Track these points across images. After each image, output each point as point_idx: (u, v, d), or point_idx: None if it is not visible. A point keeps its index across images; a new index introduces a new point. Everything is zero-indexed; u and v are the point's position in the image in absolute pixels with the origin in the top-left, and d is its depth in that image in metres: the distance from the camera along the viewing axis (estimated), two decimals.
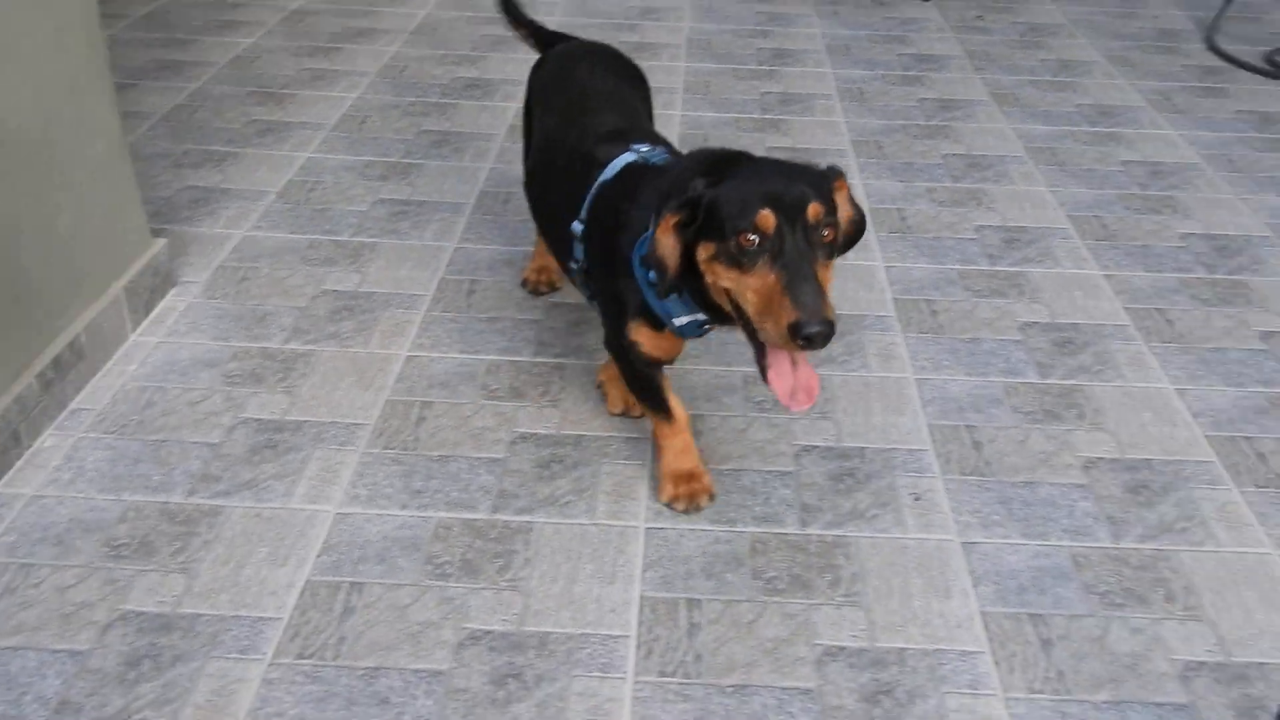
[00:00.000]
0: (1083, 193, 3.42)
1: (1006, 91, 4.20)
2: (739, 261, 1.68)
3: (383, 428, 2.32)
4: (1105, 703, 1.74)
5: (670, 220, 1.75)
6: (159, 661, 1.78)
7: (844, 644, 1.84)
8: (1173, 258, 3.07)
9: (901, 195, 3.37)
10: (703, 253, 1.74)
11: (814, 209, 1.67)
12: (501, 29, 3.46)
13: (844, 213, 1.81)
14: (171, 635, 1.83)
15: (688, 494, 2.10)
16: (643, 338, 2.00)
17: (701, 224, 1.73)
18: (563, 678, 1.77)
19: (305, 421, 2.33)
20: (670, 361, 2.08)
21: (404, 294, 2.79)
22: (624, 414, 2.35)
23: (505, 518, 2.09)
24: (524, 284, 2.80)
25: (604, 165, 2.04)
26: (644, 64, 2.69)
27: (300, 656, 1.80)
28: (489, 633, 1.85)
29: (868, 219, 2.55)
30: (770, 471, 2.22)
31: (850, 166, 3.53)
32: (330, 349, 2.57)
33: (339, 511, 2.10)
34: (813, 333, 1.59)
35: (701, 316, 1.90)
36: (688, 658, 1.81)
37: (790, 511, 2.12)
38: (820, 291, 1.63)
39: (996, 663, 1.80)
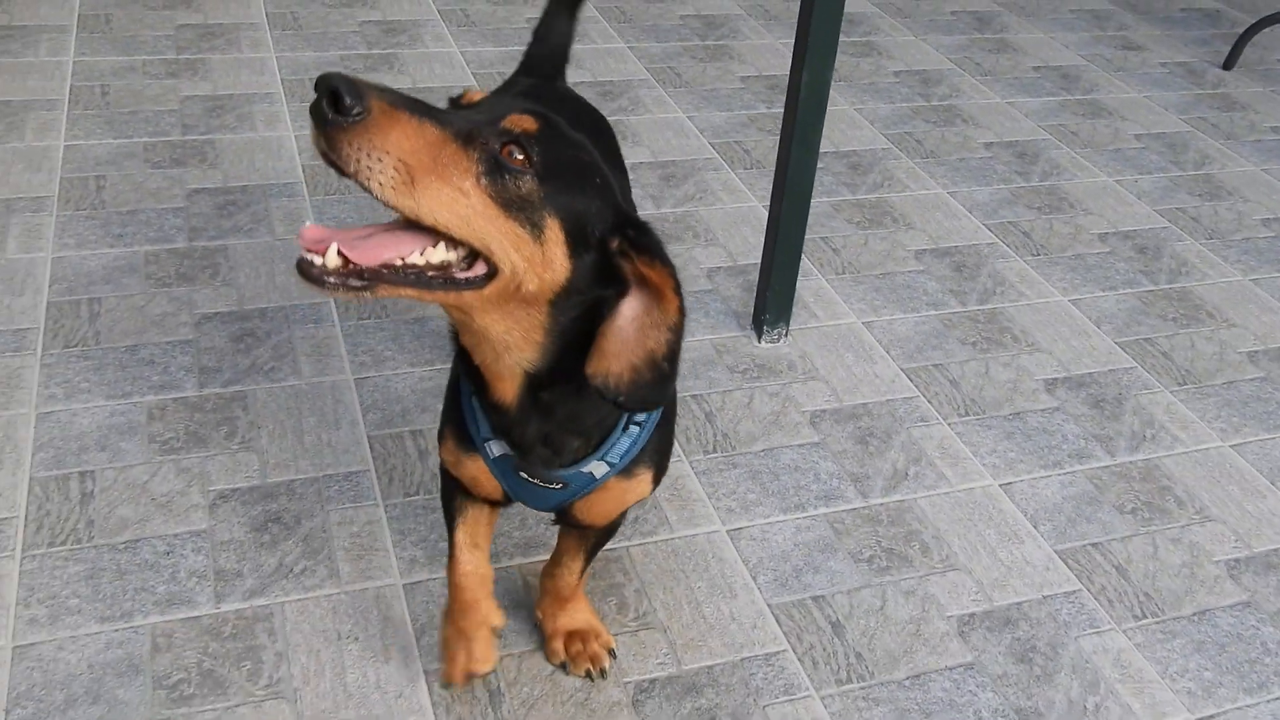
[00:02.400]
0: (654, 46, 3.46)
1: None
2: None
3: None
4: (907, 679, 1.79)
5: None
6: None
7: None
8: (738, 98, 3.50)
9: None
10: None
11: (520, 119, 1.17)
12: None
13: (643, 313, 1.23)
14: None
15: (465, 661, 1.61)
16: (449, 455, 1.49)
17: None
18: None
19: None
20: (489, 502, 1.55)
21: (3, 330, 2.27)
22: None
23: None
24: None
25: None
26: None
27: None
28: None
29: None
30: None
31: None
32: None
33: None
34: (324, 75, 1.04)
35: (509, 452, 1.39)
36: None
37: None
38: (430, 116, 1.11)
39: (800, 659, 1.80)
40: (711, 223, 2.91)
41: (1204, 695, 1.82)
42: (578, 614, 1.73)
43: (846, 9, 4.32)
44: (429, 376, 2.24)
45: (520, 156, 1.14)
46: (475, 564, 1.57)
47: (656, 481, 1.50)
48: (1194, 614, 1.96)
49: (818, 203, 3.06)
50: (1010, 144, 3.51)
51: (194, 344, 2.29)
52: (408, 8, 3.93)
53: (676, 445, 2.17)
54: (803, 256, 2.81)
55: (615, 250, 1.21)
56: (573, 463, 1.38)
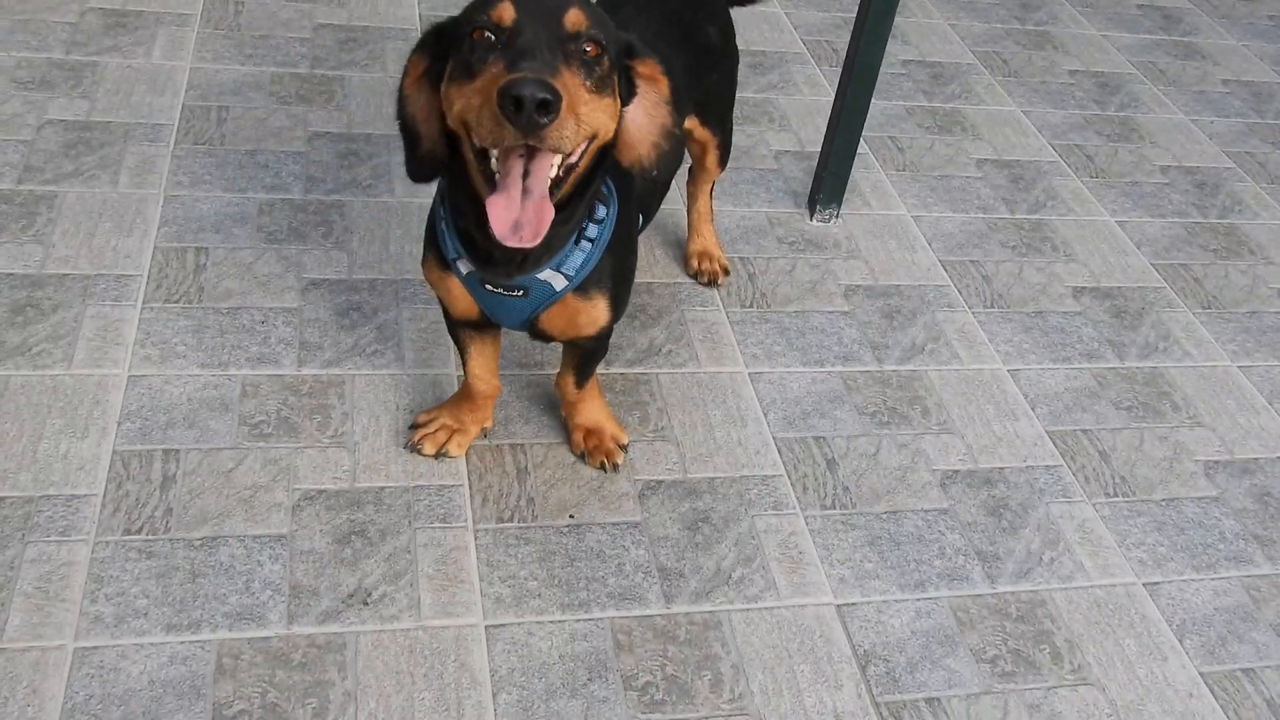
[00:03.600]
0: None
1: None
2: (470, 67, 1.35)
3: (160, 279, 2.19)
4: (885, 513, 2.01)
5: (416, 66, 1.46)
6: None
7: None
8: (836, 1, 3.34)
9: None
10: (445, 87, 1.41)
11: (574, 15, 1.36)
12: None
13: (649, 102, 1.52)
14: None
15: (443, 432, 1.96)
16: (432, 274, 1.71)
17: (445, 59, 1.42)
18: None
19: (67, 275, 2.16)
20: (474, 325, 1.80)
21: (145, 124, 2.57)
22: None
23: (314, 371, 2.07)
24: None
25: None
26: None
27: (128, 532, 1.76)
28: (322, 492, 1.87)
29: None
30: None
31: None
32: (75, 189, 2.36)
33: (132, 374, 2.00)
34: (521, 90, 1.23)
35: (473, 267, 1.61)
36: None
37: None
38: (551, 69, 1.30)
39: (793, 484, 2.03)
40: (788, 111, 3.09)
41: (1153, 565, 2.01)
42: (591, 413, 1.99)
43: None
44: None
45: (591, 48, 1.39)
46: (487, 379, 1.91)
47: (614, 309, 1.74)
48: (1163, 500, 2.14)
49: (893, 105, 3.21)
50: (1095, 74, 3.59)
51: (304, 156, 2.57)
52: None
53: (716, 295, 2.40)
54: (868, 151, 2.97)
55: (626, 66, 1.50)
56: (532, 270, 1.61)
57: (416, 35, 3.06)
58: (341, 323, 2.17)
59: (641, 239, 2.23)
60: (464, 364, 1.90)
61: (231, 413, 1.96)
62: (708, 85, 2.11)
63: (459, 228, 1.59)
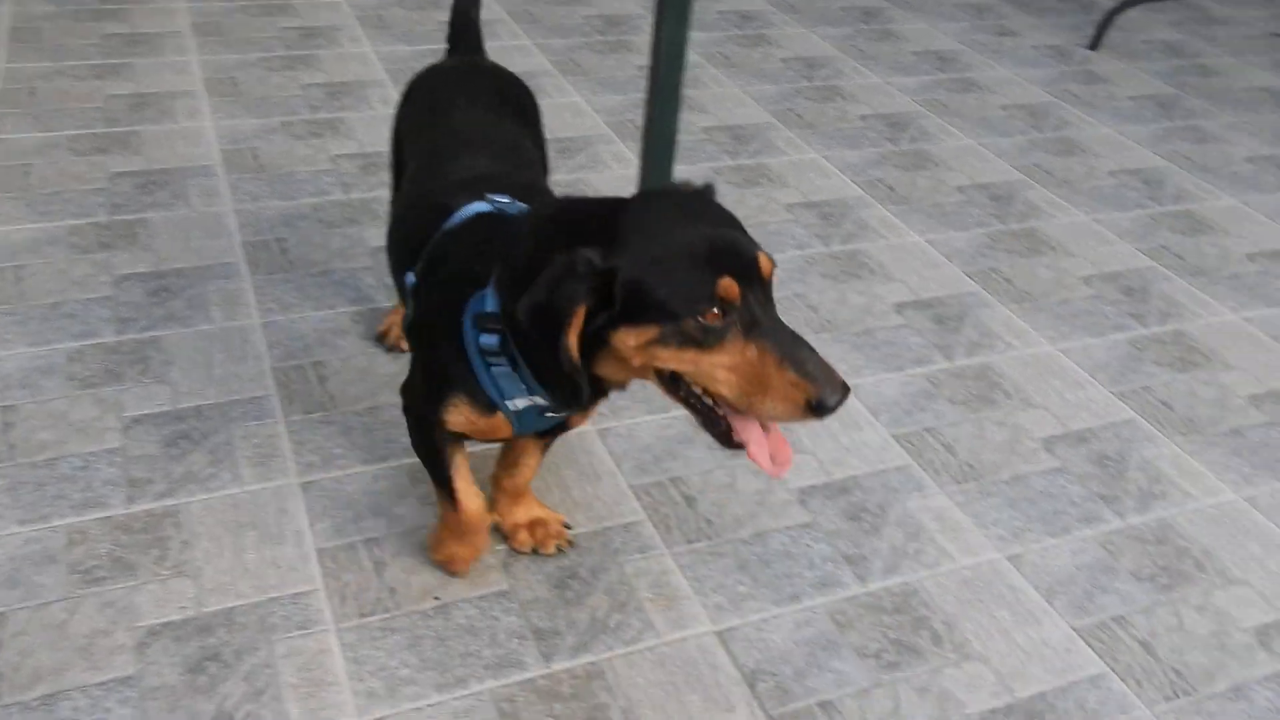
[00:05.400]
0: (558, 42, 3.71)
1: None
2: (699, 341, 1.38)
3: None
4: (750, 536, 2.02)
5: (579, 316, 1.39)
6: None
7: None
8: (633, 83, 3.46)
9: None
10: (631, 340, 1.40)
11: (765, 261, 1.41)
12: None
13: None
14: None
15: (448, 560, 1.89)
16: (460, 417, 1.67)
17: (620, 308, 1.39)
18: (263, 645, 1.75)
19: None
20: (487, 441, 1.79)
21: None
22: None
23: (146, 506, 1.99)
24: (380, 337, 2.46)
25: (450, 212, 1.71)
26: None
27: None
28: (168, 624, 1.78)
29: None
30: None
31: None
32: None
33: None
34: (836, 402, 1.36)
35: (542, 401, 1.61)
36: None
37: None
38: (817, 354, 1.39)
39: (655, 525, 2.02)
40: (601, 186, 3.16)
41: (1012, 539, 2.06)
42: (531, 508, 1.97)
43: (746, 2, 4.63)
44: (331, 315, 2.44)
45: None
46: (479, 498, 1.82)
47: None
48: (1010, 478, 2.20)
49: (699, 168, 3.32)
50: (884, 115, 3.79)
51: (113, 299, 2.50)
52: (326, 14, 4.17)
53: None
54: None
55: None
56: None
57: (218, 170, 3.05)
58: (170, 453, 2.10)
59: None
60: (449, 485, 1.78)
61: (58, 564, 1.86)
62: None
63: (539, 377, 1.55)
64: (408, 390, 1.79)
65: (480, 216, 1.66)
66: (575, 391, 1.45)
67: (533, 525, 1.96)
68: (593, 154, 3.35)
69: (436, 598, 1.86)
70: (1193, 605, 1.96)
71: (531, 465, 1.93)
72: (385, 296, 2.59)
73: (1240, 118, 4.06)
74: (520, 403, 1.62)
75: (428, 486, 2.03)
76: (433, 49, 3.98)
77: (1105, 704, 1.76)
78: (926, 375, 2.48)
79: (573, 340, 1.40)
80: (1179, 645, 1.88)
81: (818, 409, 1.35)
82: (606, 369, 1.47)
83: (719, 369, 1.39)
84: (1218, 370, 2.61)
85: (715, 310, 1.36)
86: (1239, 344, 2.71)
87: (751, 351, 1.38)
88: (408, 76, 3.76)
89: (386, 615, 1.82)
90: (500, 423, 1.67)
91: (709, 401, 1.45)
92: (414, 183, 1.91)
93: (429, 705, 1.68)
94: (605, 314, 1.40)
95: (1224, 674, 1.84)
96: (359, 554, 1.93)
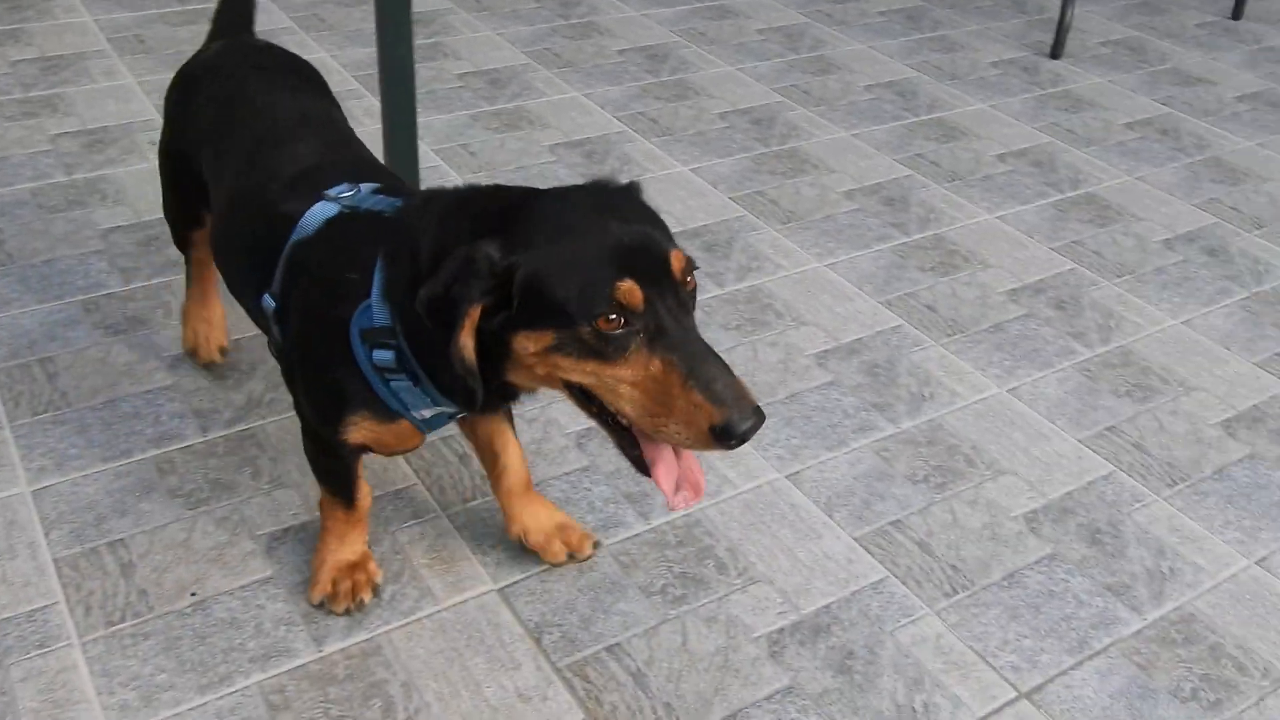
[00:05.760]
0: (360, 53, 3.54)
1: None
2: (599, 351, 1.26)
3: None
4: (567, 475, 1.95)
5: (474, 314, 1.27)
6: None
7: None
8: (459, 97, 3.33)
9: None
10: (529, 344, 1.28)
11: (677, 259, 1.28)
12: None
13: None
14: None
15: (350, 589, 1.70)
16: (363, 434, 1.54)
17: (518, 309, 1.27)
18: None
19: None
20: (399, 453, 1.64)
21: None
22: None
23: None
24: (191, 354, 2.18)
25: (294, 221, 1.54)
26: None
27: None
28: None
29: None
30: None
31: None
32: None
33: None
34: (747, 430, 1.24)
35: (450, 408, 1.49)
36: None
37: None
38: (730, 371, 1.27)
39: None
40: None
41: (790, 457, 2.06)
42: (552, 512, 1.81)
43: None
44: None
45: (691, 282, 1.31)
46: (368, 490, 1.71)
47: None
48: (786, 397, 2.21)
49: (456, 116, 3.20)
50: (643, 48, 3.74)
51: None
52: (70, 40, 3.56)
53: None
54: (441, 162, 2.94)
55: None
56: None
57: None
58: None
59: None
60: (351, 489, 1.67)
61: None
62: None
63: (442, 386, 1.42)
64: (311, 432, 1.63)
65: (334, 221, 1.51)
66: (469, 395, 1.33)
67: (561, 530, 1.81)
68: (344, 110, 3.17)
69: (194, 594, 1.72)
70: (965, 501, 2.01)
71: (511, 446, 1.77)
72: (120, 280, 2.39)
73: (984, 25, 4.20)
74: (426, 411, 1.50)
75: (313, 494, 1.89)
76: (162, 13, 3.70)
77: (888, 608, 1.78)
78: (700, 304, 2.45)
79: (466, 340, 1.28)
80: (955, 541, 1.92)
81: (722, 435, 1.23)
82: (514, 375, 1.36)
83: (621, 384, 1.27)
84: (976, 270, 2.69)
85: (614, 317, 1.23)
86: (995, 242, 2.80)
87: (655, 366, 1.25)
88: (134, 46, 3.48)
89: (138, 620, 1.67)
90: (407, 431, 1.55)
91: (624, 420, 1.33)
92: (238, 191, 1.69)
93: (190, 709, 1.55)
94: (504, 314, 1.28)
95: (998, 563, 1.89)
96: (103, 559, 1.77)
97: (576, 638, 1.70)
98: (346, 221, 1.50)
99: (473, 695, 1.60)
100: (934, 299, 2.56)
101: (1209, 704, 1.66)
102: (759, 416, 1.25)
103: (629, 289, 1.23)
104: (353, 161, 1.69)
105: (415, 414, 1.51)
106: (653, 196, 2.85)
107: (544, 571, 1.80)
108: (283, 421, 2.05)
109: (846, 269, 2.64)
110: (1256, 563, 1.91)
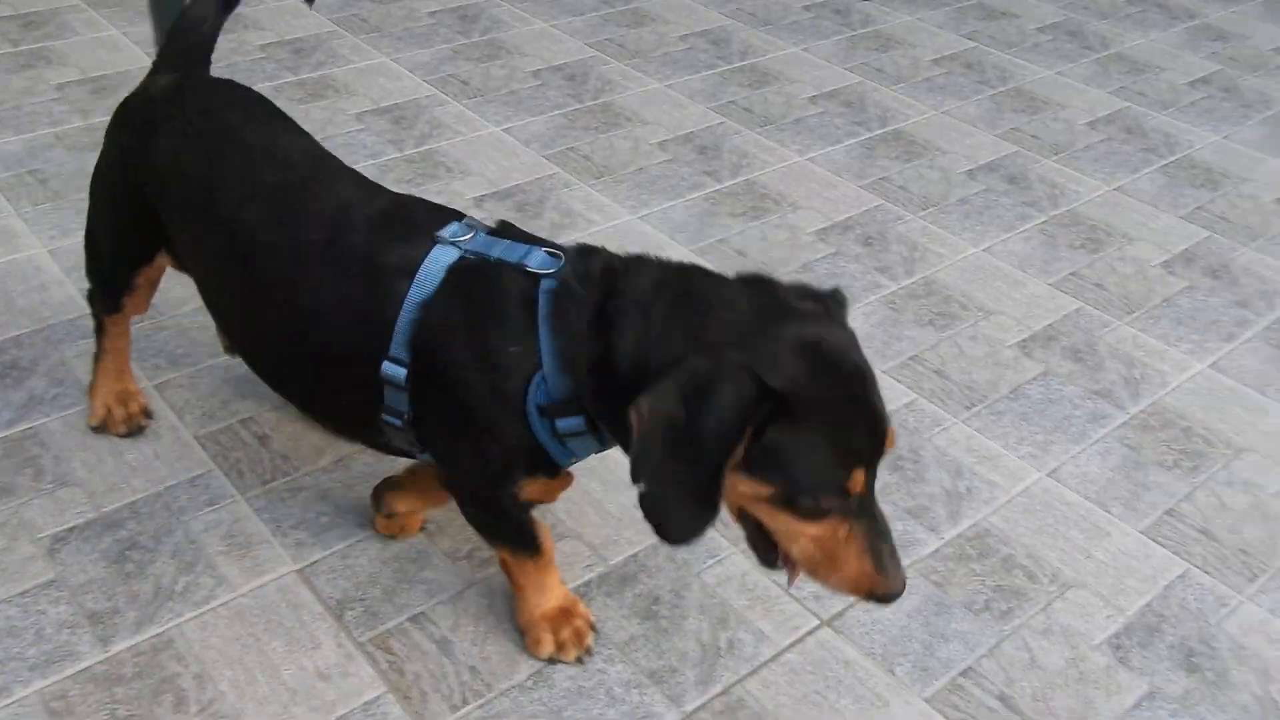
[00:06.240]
0: None
1: None
2: (800, 511, 1.25)
3: None
4: (330, 464, 1.91)
5: (737, 453, 1.20)
6: None
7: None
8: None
9: None
10: (741, 485, 1.24)
11: (890, 439, 1.28)
12: None
13: None
14: None
15: (574, 636, 1.62)
16: (535, 490, 1.47)
17: (748, 449, 1.20)
18: None
19: None
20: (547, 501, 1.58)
21: None
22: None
23: None
24: (104, 426, 1.93)
25: (409, 273, 1.38)
26: None
27: None
28: None
29: None
30: None
31: None
32: None
33: None
34: (892, 600, 1.29)
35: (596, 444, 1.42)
36: None
37: None
38: (893, 543, 1.30)
39: (225, 473, 1.86)
40: None
41: None
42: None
43: None
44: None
45: None
46: (549, 541, 1.60)
47: None
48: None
49: (261, 88, 3.08)
50: (454, 9, 3.67)
51: None
52: None
53: None
54: None
55: None
56: None
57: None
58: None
59: None
60: (533, 539, 1.56)
61: None
62: None
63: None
64: (475, 498, 1.53)
65: (462, 273, 1.37)
66: (694, 526, 1.25)
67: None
68: None
69: None
70: (966, 337, 2.33)
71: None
72: None
73: None
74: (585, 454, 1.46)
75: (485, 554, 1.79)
76: None
77: (922, 421, 2.09)
78: None
79: (723, 492, 1.22)
80: (965, 368, 2.24)
81: (876, 597, 1.28)
82: None
83: (804, 537, 1.27)
84: (786, 212, 2.71)
85: (834, 496, 1.24)
86: (805, 184, 2.83)
87: (843, 533, 1.26)
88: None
89: None
90: (567, 476, 1.50)
91: (786, 554, 1.33)
92: (288, 248, 1.46)
93: None
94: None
95: (1004, 381, 2.22)
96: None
97: (379, 610, 1.67)
98: (476, 274, 1.37)
99: (270, 679, 1.56)
100: (744, 244, 2.58)
101: (1000, 613, 1.73)
102: (903, 590, 1.30)
103: (859, 479, 1.24)
104: (404, 199, 1.52)
105: (572, 460, 1.46)
106: (462, 159, 2.82)
107: (347, 547, 1.76)
108: (67, 417, 1.96)
109: (659, 220, 2.64)
110: (1048, 474, 1.99)
